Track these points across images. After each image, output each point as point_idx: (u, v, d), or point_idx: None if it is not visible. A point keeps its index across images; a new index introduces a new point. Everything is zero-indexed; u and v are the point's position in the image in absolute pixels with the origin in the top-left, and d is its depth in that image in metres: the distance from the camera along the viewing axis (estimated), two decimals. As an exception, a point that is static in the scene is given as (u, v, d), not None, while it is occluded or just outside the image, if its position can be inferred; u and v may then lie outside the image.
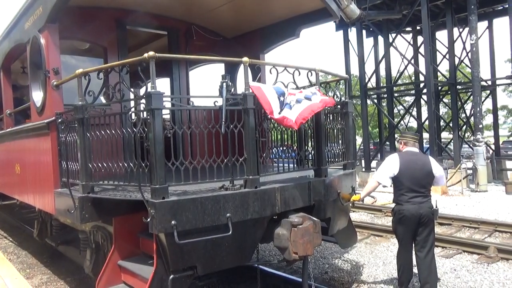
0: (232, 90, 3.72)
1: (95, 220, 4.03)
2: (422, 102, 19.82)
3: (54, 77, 4.49)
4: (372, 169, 16.47)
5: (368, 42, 19.63)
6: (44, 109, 4.73)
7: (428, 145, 16.36)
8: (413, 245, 4.71)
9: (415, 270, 4.80)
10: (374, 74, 18.76)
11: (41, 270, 6.85)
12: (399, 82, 21.18)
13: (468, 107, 19.47)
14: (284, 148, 4.49)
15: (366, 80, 17.97)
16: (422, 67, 17.28)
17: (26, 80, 5.90)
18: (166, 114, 5.98)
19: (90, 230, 4.59)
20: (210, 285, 5.48)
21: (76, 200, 3.78)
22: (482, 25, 18.22)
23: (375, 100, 19.79)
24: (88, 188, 3.81)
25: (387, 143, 18.68)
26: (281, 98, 3.75)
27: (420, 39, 18.76)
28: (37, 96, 4.95)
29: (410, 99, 29.62)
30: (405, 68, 19.65)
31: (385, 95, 19.27)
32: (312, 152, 4.40)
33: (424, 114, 18.82)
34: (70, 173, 4.04)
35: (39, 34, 4.65)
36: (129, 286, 3.79)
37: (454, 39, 17.13)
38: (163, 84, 7.88)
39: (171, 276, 3.19)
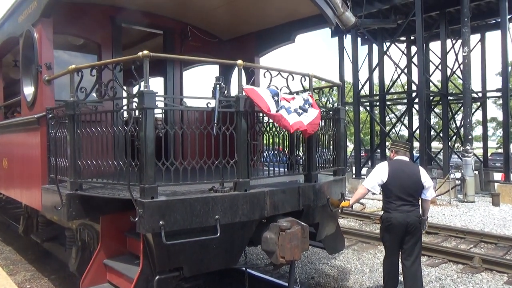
0: (226, 92, 3.71)
1: (82, 218, 3.99)
2: (414, 111, 20.05)
3: (46, 72, 4.45)
4: (362, 176, 16.57)
5: (362, 49, 19.87)
6: (34, 104, 4.68)
7: (418, 154, 16.52)
8: (400, 253, 4.75)
9: (400, 278, 4.83)
10: (368, 82, 18.93)
11: (25, 267, 6.76)
12: (392, 90, 21.35)
13: (458, 117, 19.72)
14: (276, 152, 4.50)
15: (360, 87, 18.11)
16: (414, 77, 17.48)
17: (18, 74, 5.83)
18: (158, 113, 5.96)
19: (77, 228, 4.54)
20: (197, 287, 5.45)
21: (64, 197, 3.73)
22: (475, 38, 18.54)
23: (368, 108, 19.95)
24: (76, 185, 3.77)
25: (378, 150, 18.83)
26: (275, 98, 3.76)
27: (413, 49, 18.99)
28: (28, 90, 4.89)
29: (402, 108, 29.95)
30: (398, 77, 19.87)
31: (378, 103, 19.45)
32: (303, 157, 4.42)
33: (415, 123, 19.06)
34: (59, 169, 4.00)
35: (33, 28, 4.61)
36: (114, 285, 3.75)
37: (447, 50, 17.36)
38: (156, 84, 7.86)
39: (157, 277, 3.17)
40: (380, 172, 4.76)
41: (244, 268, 4.56)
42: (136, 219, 3.05)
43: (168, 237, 3.03)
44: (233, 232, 3.52)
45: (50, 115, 4.29)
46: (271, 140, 4.60)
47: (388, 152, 5.87)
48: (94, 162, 3.63)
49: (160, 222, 3.02)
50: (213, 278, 5.40)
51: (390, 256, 4.78)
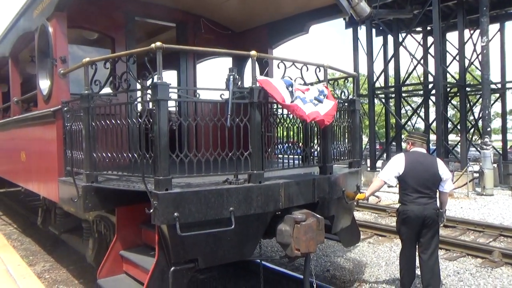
0: (239, 83, 3.68)
1: (98, 210, 4.03)
2: (430, 103, 19.65)
3: (61, 66, 4.49)
4: (377, 169, 16.39)
5: (377, 41, 19.49)
6: (50, 97, 4.73)
7: (435, 147, 16.23)
8: (417, 246, 4.67)
9: (418, 271, 4.76)
10: (383, 74, 18.62)
11: (44, 258, 6.90)
12: (408, 82, 20.96)
13: (476, 109, 19.30)
14: (290, 145, 4.46)
15: (375, 79, 17.83)
16: (431, 68, 17.11)
17: (34, 69, 5.91)
18: (172, 106, 5.96)
19: (93, 220, 4.59)
20: (211, 279, 5.47)
21: (80, 189, 3.77)
22: (494, 28, 18.02)
23: (383, 100, 19.65)
24: (92, 178, 3.80)
25: (393, 143, 18.56)
26: (290, 89, 3.71)
27: (430, 39, 18.56)
28: (44, 84, 4.94)
29: (418, 100, 29.41)
30: (414, 68, 19.46)
31: (393, 95, 19.13)
32: (318, 149, 4.36)
33: (432, 115, 18.64)
34: (75, 162, 4.03)
35: (47, 22, 4.64)
36: (130, 276, 3.79)
37: (465, 40, 16.93)
38: (170, 77, 7.86)
39: (172, 268, 3.18)
40: (397, 164, 4.68)
41: (258, 260, 4.55)
42: (151, 211, 3.06)
43: (183, 229, 3.03)
44: (248, 224, 3.50)
45: (65, 108, 4.33)
46: (285, 133, 4.55)
47: (404, 144, 5.76)
48: (109, 155, 3.65)
49: (175, 214, 3.02)
50: (227, 270, 5.42)
51: (407, 249, 4.70)
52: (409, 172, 4.60)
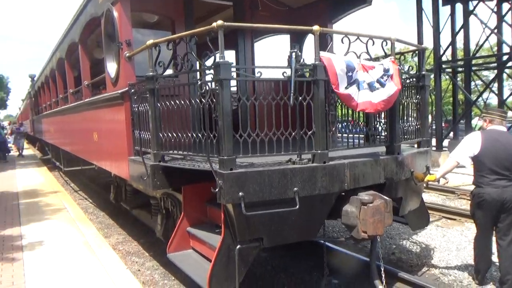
0: (302, 60, 3.55)
1: (165, 188, 4.19)
2: (504, 76, 17.89)
3: (127, 49, 4.64)
4: (444, 149, 15.43)
5: (444, 11, 17.96)
6: (118, 80, 4.94)
7: (510, 125, 14.86)
8: (494, 232, 4.33)
9: (494, 258, 4.43)
10: (450, 46, 17.20)
11: (117, 231, 7.42)
12: (478, 55, 19.18)
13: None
14: (350, 124, 4.27)
15: (441, 53, 16.56)
16: (506, 38, 15.49)
17: (101, 53, 6.20)
18: (233, 86, 5.98)
19: (161, 197, 4.80)
20: (273, 257, 5.54)
21: (148, 167, 3.93)
22: None
23: (450, 75, 18.24)
24: (159, 157, 3.94)
25: (462, 121, 17.28)
26: (349, 74, 3.53)
27: (505, 6, 16.73)
28: (111, 67, 5.17)
29: (488, 74, 27.00)
30: (487, 38, 17.74)
31: (461, 69, 17.67)
32: (385, 127, 4.14)
33: (507, 90, 17.03)
34: (142, 141, 4.20)
35: (112, 7, 4.80)
36: (197, 252, 3.93)
37: (549, 4, 15.04)
38: (228, 57, 7.88)
39: (238, 246, 3.23)
40: (472, 143, 4.34)
41: (322, 241, 4.49)
42: (216, 190, 3.10)
43: (248, 208, 3.05)
44: (312, 205, 3.44)
45: (132, 90, 4.49)
46: (350, 112, 4.35)
47: (480, 122, 5.30)
48: (174, 135, 3.74)
49: (240, 193, 3.04)
50: (289, 249, 5.44)
51: (483, 235, 4.39)
52: (486, 151, 4.26)
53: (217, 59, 3.13)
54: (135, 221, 7.14)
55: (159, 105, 3.83)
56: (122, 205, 6.79)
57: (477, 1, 15.73)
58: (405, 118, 4.40)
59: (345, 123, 4.39)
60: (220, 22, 3.12)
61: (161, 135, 3.87)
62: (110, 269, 4.64)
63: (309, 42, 7.16)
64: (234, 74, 3.43)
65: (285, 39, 7.62)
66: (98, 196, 10.46)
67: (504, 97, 16.93)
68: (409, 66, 4.80)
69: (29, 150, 25.78)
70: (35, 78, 16.45)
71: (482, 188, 4.29)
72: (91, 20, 6.17)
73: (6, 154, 19.19)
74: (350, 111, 4.16)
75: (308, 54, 3.58)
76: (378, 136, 4.22)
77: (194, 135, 3.52)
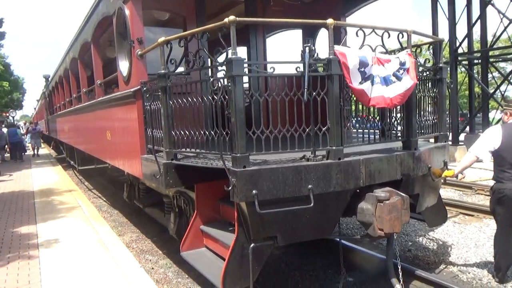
0: (315, 55, 3.48)
1: (178, 186, 4.17)
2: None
3: (139, 47, 4.62)
4: (460, 143, 15.13)
5: (459, 1, 17.55)
6: (130, 78, 4.93)
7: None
8: (516, 228, 4.21)
9: (515, 255, 4.30)
10: (466, 38, 16.81)
11: (130, 229, 7.46)
12: (495, 46, 18.70)
13: None
14: (365, 119, 4.17)
15: (457, 44, 16.19)
16: (526, 28, 15.06)
17: (114, 52, 6.21)
18: (245, 82, 5.94)
19: (173, 195, 4.79)
20: (287, 255, 5.49)
21: (161, 166, 3.91)
22: None
23: (466, 67, 17.83)
24: (171, 155, 3.92)
25: (479, 114, 16.90)
26: (362, 69, 3.44)
27: (525, -6, 16.25)
28: (123, 66, 5.16)
29: (506, 66, 26.34)
30: (505, 29, 17.28)
31: (478, 61, 17.26)
32: (401, 122, 4.04)
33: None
34: (155, 140, 4.19)
35: (124, 5, 4.78)
36: (211, 250, 3.90)
37: None
38: (239, 54, 7.82)
39: (252, 245, 3.19)
40: (492, 137, 4.22)
41: (338, 239, 4.42)
42: (230, 188, 3.06)
43: (262, 206, 3.00)
44: (327, 202, 3.37)
45: (144, 88, 4.48)
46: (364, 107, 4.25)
47: (500, 115, 5.16)
48: (187, 132, 3.71)
49: (253, 191, 2.99)
50: (303, 247, 5.38)
51: (504, 231, 4.27)
52: (506, 146, 4.15)
53: (230, 55, 3.08)
54: (149, 219, 7.17)
55: (171, 103, 3.80)
56: (135, 204, 6.82)
57: (494, -9, 15.30)
58: (421, 112, 4.28)
59: (359, 118, 4.30)
60: (232, 17, 3.07)
61: (173, 133, 3.84)
62: (124, 267, 4.66)
63: (321, 37, 7.06)
64: (246, 71, 3.38)
65: (297, 34, 7.52)
66: (112, 194, 10.55)
67: (523, 90, 16.47)
68: (425, 59, 4.67)
69: (44, 149, 26.24)
70: (49, 78, 16.68)
71: (502, 184, 4.18)
72: (103, 19, 6.18)
73: (23, 153, 19.55)
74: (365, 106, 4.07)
75: (321, 49, 3.50)
76: (394, 131, 4.12)
77: (207, 132, 3.49)
